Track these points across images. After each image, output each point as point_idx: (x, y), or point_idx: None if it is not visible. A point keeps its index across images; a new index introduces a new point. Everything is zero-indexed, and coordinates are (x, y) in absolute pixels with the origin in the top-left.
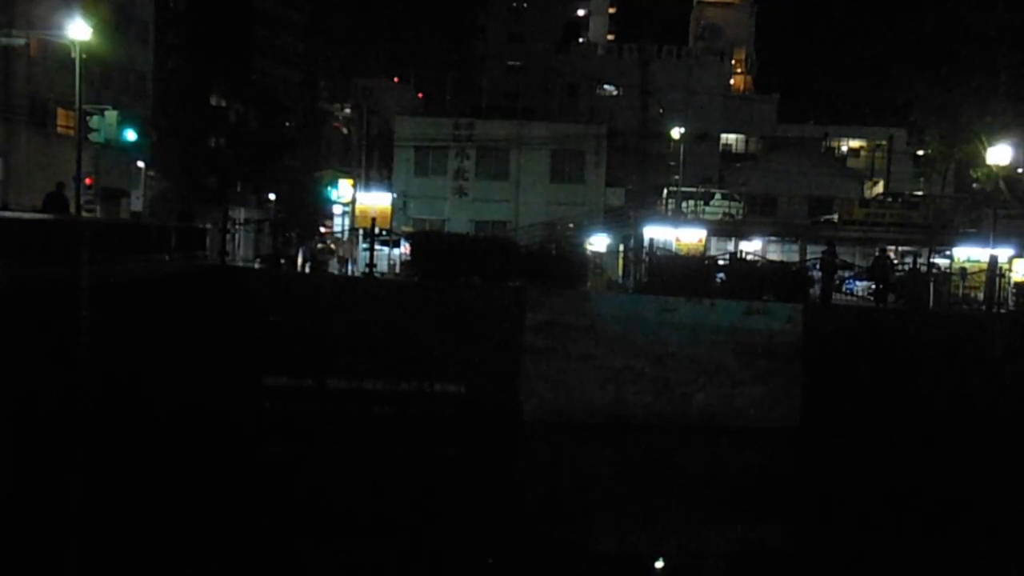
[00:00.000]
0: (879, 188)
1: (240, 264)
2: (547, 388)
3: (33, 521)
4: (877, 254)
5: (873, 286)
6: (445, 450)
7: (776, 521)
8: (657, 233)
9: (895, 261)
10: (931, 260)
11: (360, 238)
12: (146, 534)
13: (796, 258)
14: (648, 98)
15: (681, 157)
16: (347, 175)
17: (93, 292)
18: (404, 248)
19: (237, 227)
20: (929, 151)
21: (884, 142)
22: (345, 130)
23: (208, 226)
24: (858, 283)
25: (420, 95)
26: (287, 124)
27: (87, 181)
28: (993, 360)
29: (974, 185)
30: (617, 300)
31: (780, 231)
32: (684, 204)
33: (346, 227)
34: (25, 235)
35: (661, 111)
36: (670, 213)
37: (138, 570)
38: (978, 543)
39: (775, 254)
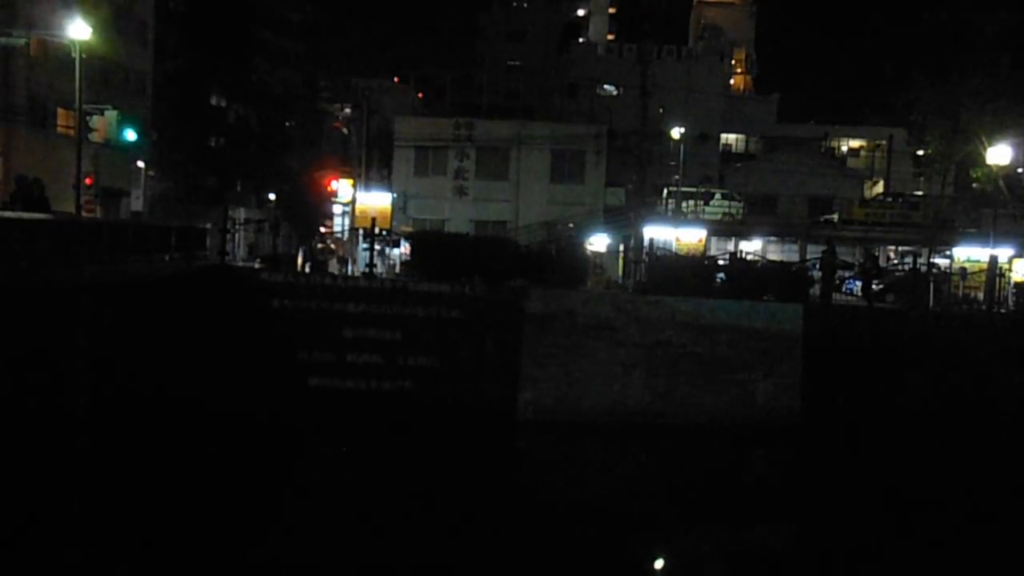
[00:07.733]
0: (879, 188)
1: (240, 264)
2: (547, 389)
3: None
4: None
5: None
6: (454, 449)
7: (776, 521)
8: (657, 233)
9: (895, 261)
10: (931, 260)
11: (360, 238)
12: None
13: (796, 258)
14: (648, 98)
15: (681, 157)
16: (347, 175)
17: (93, 292)
18: (404, 248)
19: (237, 227)
20: (929, 151)
21: (884, 142)
22: (345, 130)
23: (208, 226)
24: (858, 283)
25: (420, 95)
26: (287, 124)
27: (87, 181)
28: (993, 359)
29: (974, 185)
30: (616, 300)
31: (780, 231)
32: (684, 204)
33: (346, 227)
34: (26, 235)
35: (661, 111)
36: (670, 213)
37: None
38: (978, 542)
39: (775, 254)
